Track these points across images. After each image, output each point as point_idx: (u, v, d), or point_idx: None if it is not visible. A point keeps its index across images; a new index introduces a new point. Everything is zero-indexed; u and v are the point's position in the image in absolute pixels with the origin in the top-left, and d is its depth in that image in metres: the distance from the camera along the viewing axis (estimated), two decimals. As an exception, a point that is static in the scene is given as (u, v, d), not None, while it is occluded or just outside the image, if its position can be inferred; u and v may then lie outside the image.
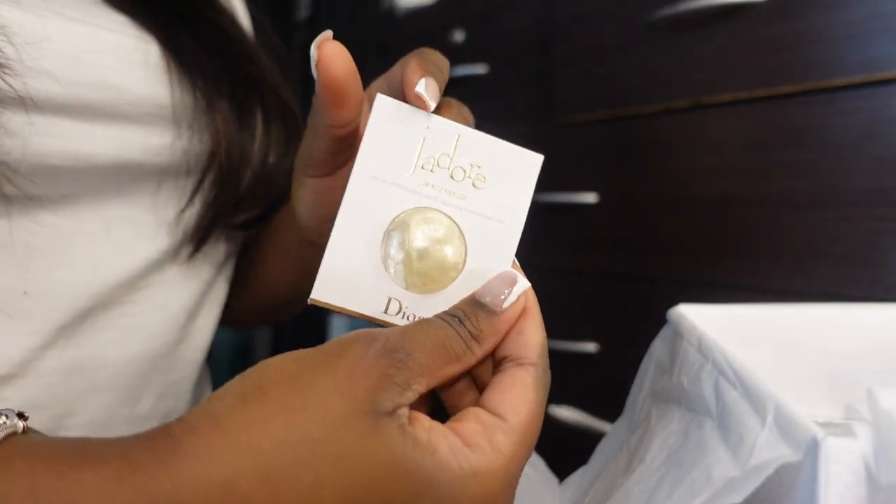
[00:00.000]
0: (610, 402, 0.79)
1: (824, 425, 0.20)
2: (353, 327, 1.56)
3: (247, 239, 0.47)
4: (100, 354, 0.34)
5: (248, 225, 0.42)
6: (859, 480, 0.19)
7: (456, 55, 0.98)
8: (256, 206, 0.41)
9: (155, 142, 0.34)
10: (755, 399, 0.23)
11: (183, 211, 0.37)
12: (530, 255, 0.97)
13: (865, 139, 0.55)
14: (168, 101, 0.34)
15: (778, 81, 0.61)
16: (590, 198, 0.76)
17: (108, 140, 0.32)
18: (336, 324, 1.60)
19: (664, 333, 0.38)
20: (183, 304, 0.39)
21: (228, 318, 0.51)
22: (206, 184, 0.37)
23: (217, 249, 0.41)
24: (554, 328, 0.90)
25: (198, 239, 0.38)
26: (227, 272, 0.44)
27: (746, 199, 0.63)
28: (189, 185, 0.37)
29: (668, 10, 0.67)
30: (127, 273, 0.35)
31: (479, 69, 0.94)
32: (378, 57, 1.61)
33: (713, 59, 0.65)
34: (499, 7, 0.91)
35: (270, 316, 0.54)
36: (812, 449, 0.19)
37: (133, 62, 0.33)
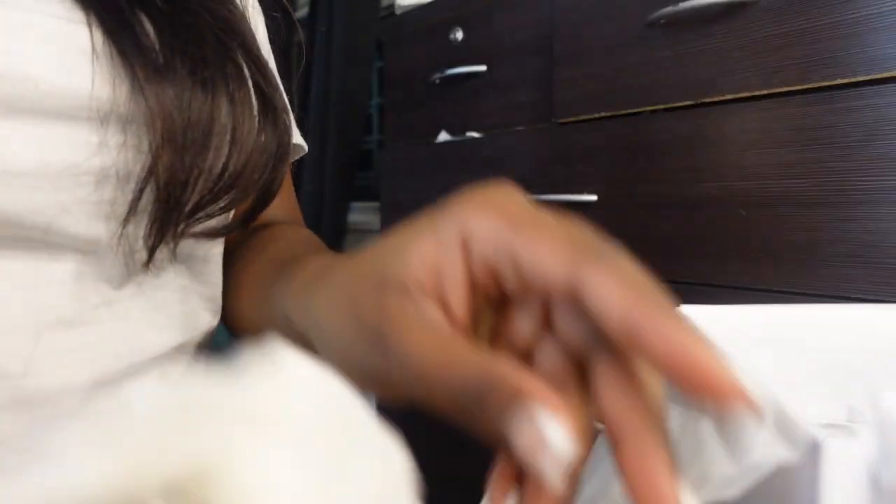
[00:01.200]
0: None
1: (825, 427, 0.20)
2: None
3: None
4: (62, 379, 0.31)
5: (220, 232, 0.37)
6: (860, 482, 0.19)
7: (456, 55, 0.98)
8: (224, 209, 0.35)
9: (83, 140, 0.29)
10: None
11: (126, 220, 0.31)
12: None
13: (866, 139, 0.55)
14: (97, 92, 0.29)
15: (778, 81, 0.60)
16: (590, 198, 0.76)
17: (29, 140, 0.28)
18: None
19: (664, 334, 0.37)
20: (147, 321, 0.35)
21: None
22: (152, 189, 0.31)
23: (191, 254, 0.37)
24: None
25: (147, 250, 0.33)
26: (209, 276, 0.39)
27: (747, 199, 0.63)
28: (133, 189, 0.31)
29: (668, 10, 0.66)
30: (68, 290, 0.31)
31: (480, 69, 0.93)
32: (378, 56, 1.61)
33: (713, 59, 0.65)
34: (499, 7, 0.91)
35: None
36: (813, 451, 0.19)
37: (53, 47, 0.28)
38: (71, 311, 0.31)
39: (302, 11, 1.80)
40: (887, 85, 0.54)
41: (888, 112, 0.54)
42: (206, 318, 0.40)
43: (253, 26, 0.41)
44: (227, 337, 0.47)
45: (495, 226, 0.21)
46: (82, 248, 0.32)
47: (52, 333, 0.31)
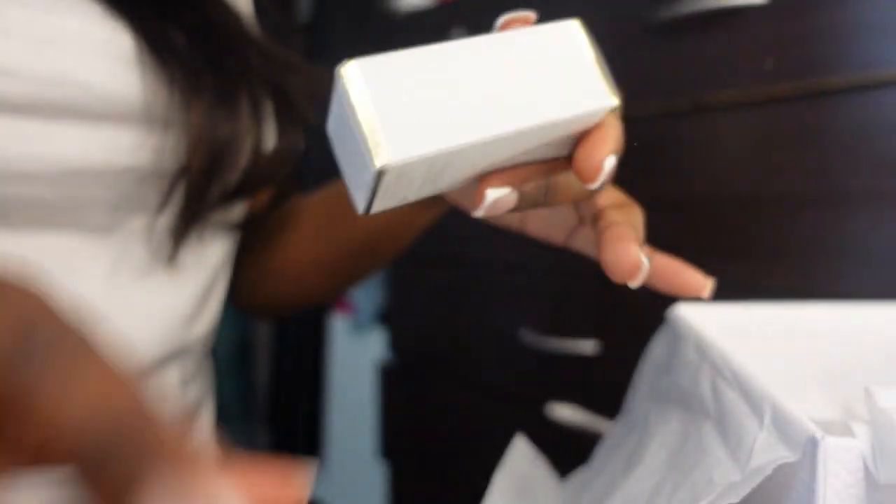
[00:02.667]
0: (610, 402, 0.79)
1: (822, 425, 0.20)
2: (354, 327, 1.53)
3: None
4: None
5: (247, 223, 0.41)
6: (858, 480, 0.19)
7: (456, 55, 0.98)
8: (248, 200, 0.39)
9: (127, 141, 0.32)
10: (752, 399, 0.23)
11: (159, 213, 0.34)
12: (531, 254, 0.97)
13: (865, 139, 0.55)
14: (140, 98, 0.32)
15: (777, 82, 0.61)
16: (590, 198, 0.76)
17: (76, 140, 0.30)
18: (338, 326, 1.60)
19: (663, 333, 0.38)
20: (175, 311, 0.37)
21: (248, 305, 0.52)
22: (183, 183, 0.34)
23: (213, 249, 0.39)
24: (554, 328, 0.90)
25: (174, 241, 0.35)
26: (229, 270, 0.43)
27: (746, 199, 0.63)
28: (166, 185, 0.34)
29: (667, 11, 0.67)
30: (104, 283, 0.33)
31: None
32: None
33: (713, 59, 0.65)
34: (499, 7, 0.91)
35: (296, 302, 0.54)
36: (810, 449, 0.20)
37: (102, 55, 0.30)
38: (97, 305, 0.33)
39: (303, 14, 1.81)
40: (884, 86, 0.54)
41: (887, 113, 0.54)
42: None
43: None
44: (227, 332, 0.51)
45: None
46: (123, 240, 0.34)
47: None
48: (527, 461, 0.41)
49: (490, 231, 0.92)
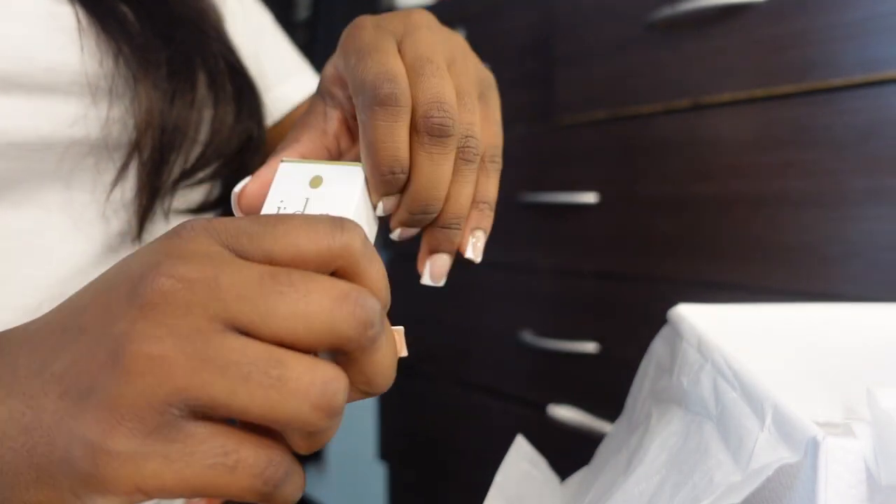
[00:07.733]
0: (610, 402, 0.80)
1: (824, 425, 0.20)
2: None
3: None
4: None
5: (207, 207, 0.40)
6: (859, 480, 0.19)
7: (456, 55, 0.98)
8: (208, 179, 0.38)
9: (72, 112, 0.31)
10: (754, 400, 0.23)
11: (113, 189, 0.34)
12: (531, 255, 0.97)
13: (865, 139, 0.55)
14: (83, 69, 0.31)
15: (778, 81, 0.61)
16: (590, 198, 0.76)
17: (20, 112, 0.30)
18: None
19: (664, 333, 0.38)
20: None
21: None
22: (138, 158, 0.34)
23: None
24: (554, 328, 0.90)
25: (139, 218, 0.35)
26: None
27: (746, 199, 0.63)
28: (120, 160, 0.34)
29: (668, 10, 0.67)
30: (77, 262, 0.33)
31: (479, 69, 0.93)
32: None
33: (713, 59, 0.65)
34: (499, 7, 0.91)
35: None
36: (812, 449, 0.19)
37: (46, 27, 0.30)
38: (72, 286, 0.33)
39: (303, 13, 1.81)
40: (884, 86, 0.54)
41: (885, 113, 0.54)
42: None
43: (243, 18, 0.45)
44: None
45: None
46: (88, 217, 0.34)
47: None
48: (527, 461, 0.41)
49: (490, 232, 0.92)
